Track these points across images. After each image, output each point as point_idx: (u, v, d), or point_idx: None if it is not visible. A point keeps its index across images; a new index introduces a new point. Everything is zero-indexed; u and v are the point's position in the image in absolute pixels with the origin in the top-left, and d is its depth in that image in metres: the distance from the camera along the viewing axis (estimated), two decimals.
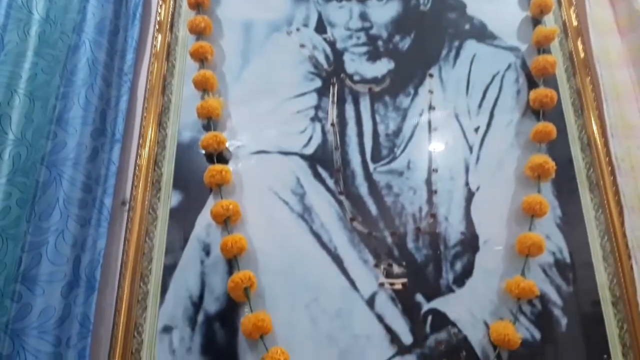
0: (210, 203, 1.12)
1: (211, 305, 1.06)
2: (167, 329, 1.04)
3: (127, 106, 1.18)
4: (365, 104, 1.23)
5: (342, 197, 1.15)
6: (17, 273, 0.97)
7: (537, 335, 1.06)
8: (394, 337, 1.05)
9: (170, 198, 1.14)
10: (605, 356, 1.04)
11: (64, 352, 0.97)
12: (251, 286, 1.04)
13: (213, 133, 1.13)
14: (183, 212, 1.13)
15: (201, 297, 1.07)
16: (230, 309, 1.06)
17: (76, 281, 1.02)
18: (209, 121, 1.16)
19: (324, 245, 1.12)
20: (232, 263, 1.08)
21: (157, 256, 1.09)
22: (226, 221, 1.09)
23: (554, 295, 1.09)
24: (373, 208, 1.15)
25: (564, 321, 1.07)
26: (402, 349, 1.04)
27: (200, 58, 1.21)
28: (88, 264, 1.04)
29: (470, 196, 1.16)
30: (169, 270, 1.08)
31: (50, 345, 0.96)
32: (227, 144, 1.15)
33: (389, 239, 1.12)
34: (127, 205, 1.12)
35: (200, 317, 1.05)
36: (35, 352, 0.94)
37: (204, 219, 1.12)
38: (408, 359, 1.04)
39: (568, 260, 1.12)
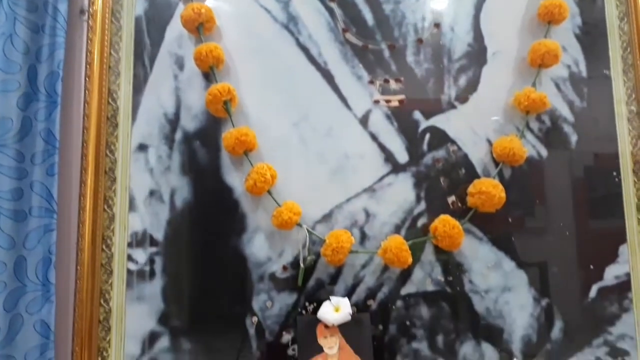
0: (180, 10, 0.98)
1: (189, 122, 0.96)
2: (142, 148, 0.96)
3: None
4: None
5: (334, 5, 1.00)
6: None
7: (544, 152, 0.99)
8: (388, 156, 0.97)
9: (134, 5, 0.98)
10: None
11: (29, 169, 0.90)
12: (231, 100, 0.94)
13: None
14: (150, 21, 0.98)
15: (177, 114, 0.97)
16: (211, 127, 0.96)
17: (34, 94, 0.91)
18: None
19: (312, 59, 0.99)
20: (209, 77, 0.97)
21: (125, 70, 0.97)
22: (199, 29, 0.95)
23: (565, 111, 1.00)
24: (369, 17, 1.00)
25: (573, 138, 0.99)
26: (397, 167, 0.97)
27: None
28: (47, 76, 0.92)
29: (480, 3, 1.01)
30: (138, 85, 0.97)
31: (12, 159, 0.87)
32: None
33: (386, 52, 1.00)
34: (86, 14, 0.97)
35: (178, 135, 0.96)
36: None
37: (175, 29, 0.98)
38: (402, 177, 0.97)
39: (584, 73, 1.00)
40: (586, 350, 0.95)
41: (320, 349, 0.84)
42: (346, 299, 0.89)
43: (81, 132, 0.94)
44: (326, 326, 0.86)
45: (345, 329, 0.86)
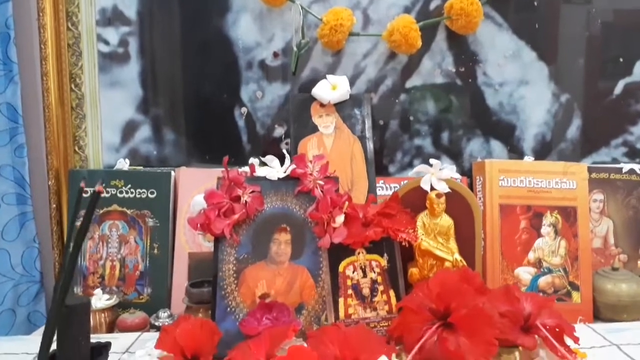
0: None
1: None
2: None
3: None
4: None
5: None
6: None
7: None
8: None
9: None
10: None
11: None
12: None
13: None
14: None
15: None
16: None
17: None
18: None
19: None
20: None
21: None
22: None
23: None
24: None
25: None
26: None
27: None
28: None
29: None
30: None
31: None
32: None
33: None
34: None
35: None
36: None
37: None
38: None
39: None
40: (602, 150, 0.88)
41: (314, 129, 0.77)
42: (344, 77, 0.79)
43: None
44: (322, 105, 0.77)
45: (342, 109, 0.78)
